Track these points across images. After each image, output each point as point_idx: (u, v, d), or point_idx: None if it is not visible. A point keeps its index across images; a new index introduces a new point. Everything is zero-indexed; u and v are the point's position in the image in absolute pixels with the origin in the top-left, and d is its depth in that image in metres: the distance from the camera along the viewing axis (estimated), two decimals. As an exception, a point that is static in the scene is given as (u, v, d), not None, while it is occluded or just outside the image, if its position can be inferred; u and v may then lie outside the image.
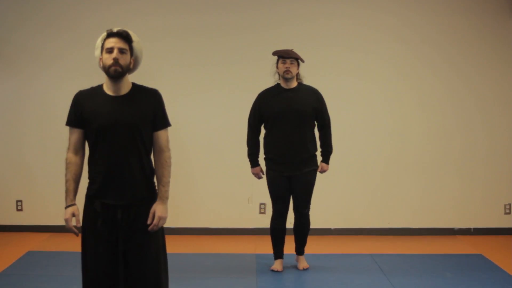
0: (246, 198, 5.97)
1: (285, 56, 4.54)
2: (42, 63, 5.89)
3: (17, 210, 6.02)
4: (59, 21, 5.85)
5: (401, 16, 5.86)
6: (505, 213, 6.01)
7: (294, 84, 4.64)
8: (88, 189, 3.04)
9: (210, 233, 5.97)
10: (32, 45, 5.88)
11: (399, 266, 4.95)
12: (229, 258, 5.15)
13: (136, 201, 2.99)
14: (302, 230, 4.77)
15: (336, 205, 5.94)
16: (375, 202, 5.98)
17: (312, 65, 5.84)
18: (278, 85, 4.68)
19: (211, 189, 5.95)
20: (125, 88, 3.00)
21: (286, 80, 4.60)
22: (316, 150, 4.71)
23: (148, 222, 3.00)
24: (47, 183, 5.91)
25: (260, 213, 5.97)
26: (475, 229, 6.00)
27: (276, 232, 4.73)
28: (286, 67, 4.54)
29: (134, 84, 3.05)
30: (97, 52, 3.03)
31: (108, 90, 3.00)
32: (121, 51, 2.93)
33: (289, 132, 4.56)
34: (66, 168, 3.05)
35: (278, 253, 4.80)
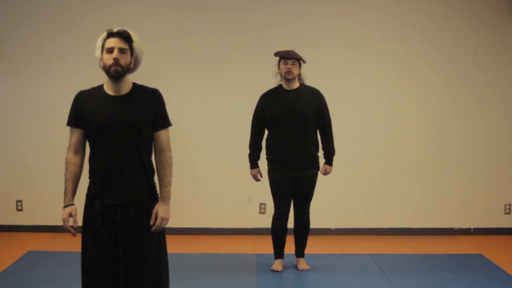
0: (246, 198, 5.97)
1: (287, 57, 4.55)
2: (42, 63, 5.89)
3: (17, 210, 6.02)
4: (59, 21, 5.85)
5: (401, 16, 5.86)
6: (505, 213, 6.01)
7: (296, 85, 4.64)
8: (89, 189, 3.05)
9: (210, 233, 5.97)
10: (32, 45, 5.88)
11: (399, 266, 4.95)
12: (229, 258, 5.15)
13: (136, 201, 2.99)
14: (302, 231, 4.77)
15: (336, 205, 5.94)
16: (375, 202, 5.98)
17: (312, 65, 5.84)
18: (280, 86, 4.69)
19: (211, 189, 5.96)
20: (125, 88, 3.00)
21: (288, 81, 4.60)
22: (318, 151, 4.71)
23: (151, 223, 3.00)
24: (47, 183, 5.91)
25: (260, 213, 5.97)
26: (475, 229, 6.01)
27: (278, 232, 4.73)
28: (288, 68, 4.54)
29: (134, 84, 3.05)
30: (98, 52, 3.03)
31: (108, 90, 3.00)
32: (121, 51, 2.93)
33: (291, 133, 4.56)
34: (66, 168, 3.06)
35: (279, 253, 4.80)
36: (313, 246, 5.09)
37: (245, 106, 5.73)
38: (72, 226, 3.01)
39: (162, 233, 3.09)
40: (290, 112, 4.56)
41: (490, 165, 5.96)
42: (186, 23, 5.85)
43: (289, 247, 4.86)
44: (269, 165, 4.70)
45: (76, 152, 3.05)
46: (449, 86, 5.92)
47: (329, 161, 4.74)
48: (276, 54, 4.64)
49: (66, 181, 3.05)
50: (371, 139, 5.94)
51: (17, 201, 6.02)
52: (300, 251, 4.85)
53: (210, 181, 5.95)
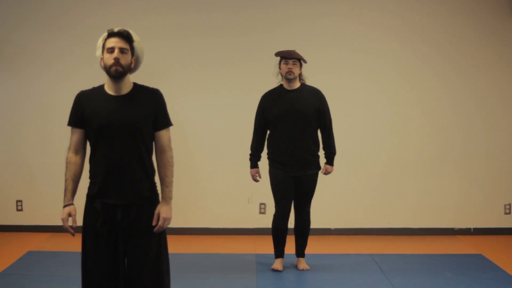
0: (246, 198, 5.97)
1: (288, 57, 4.55)
2: (42, 63, 5.89)
3: (17, 210, 6.02)
4: (59, 21, 5.85)
5: (401, 16, 5.86)
6: (505, 213, 6.01)
7: (296, 85, 4.65)
8: (89, 189, 3.04)
9: (210, 233, 5.97)
10: (32, 45, 5.88)
11: (399, 266, 4.95)
12: (229, 258, 5.15)
13: (137, 201, 2.98)
14: (303, 230, 4.78)
15: (336, 205, 5.94)
16: (375, 202, 5.98)
17: (312, 65, 5.83)
18: (281, 86, 4.69)
19: (211, 189, 5.96)
20: (126, 88, 3.00)
21: (289, 81, 4.61)
22: (319, 150, 4.72)
23: (153, 223, 3.00)
24: (47, 183, 5.91)
25: (260, 213, 5.97)
26: (475, 229, 6.00)
27: (278, 231, 4.74)
28: (289, 68, 4.55)
29: (135, 84, 3.05)
30: (98, 52, 3.03)
31: (109, 90, 3.00)
32: (122, 50, 2.92)
33: (292, 133, 4.57)
34: (66, 168, 3.05)
35: (279, 252, 4.80)
36: (313, 246, 5.09)
37: (245, 106, 5.73)
38: (71, 226, 3.01)
39: (163, 233, 3.08)
40: (291, 112, 4.56)
41: (490, 165, 5.96)
42: (186, 23, 5.85)
43: (290, 247, 4.86)
44: (270, 164, 4.71)
45: (76, 152, 3.05)
46: (449, 86, 5.92)
47: (330, 161, 4.74)
48: (277, 54, 4.64)
49: (66, 180, 3.05)
50: (371, 139, 5.94)
51: (17, 201, 6.02)
52: (300, 251, 4.85)
53: (210, 181, 5.95)
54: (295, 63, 4.56)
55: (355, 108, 5.91)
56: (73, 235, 3.02)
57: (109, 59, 2.92)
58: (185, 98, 5.83)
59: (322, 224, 5.85)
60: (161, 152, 3.06)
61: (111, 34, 2.95)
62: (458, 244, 5.71)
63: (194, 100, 5.89)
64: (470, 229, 6.01)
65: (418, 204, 5.98)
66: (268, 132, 4.73)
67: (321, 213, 5.46)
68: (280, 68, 4.65)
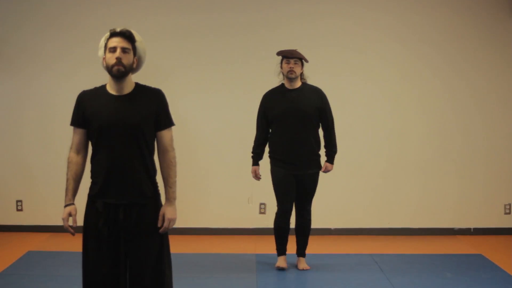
0: (246, 198, 5.97)
1: (289, 56, 4.57)
2: (42, 63, 5.89)
3: (17, 210, 6.02)
4: (59, 21, 5.85)
5: (401, 16, 5.86)
6: (505, 213, 6.01)
7: (298, 84, 4.66)
8: (90, 188, 3.04)
9: (210, 233, 5.97)
10: (32, 45, 5.87)
11: (399, 266, 4.95)
12: (229, 258, 5.15)
13: (139, 201, 2.98)
14: (304, 230, 4.78)
15: (336, 205, 5.94)
16: (375, 202, 5.98)
17: (313, 65, 5.83)
18: (282, 85, 4.70)
19: (211, 189, 5.96)
20: (128, 87, 3.00)
21: (290, 80, 4.61)
22: (320, 149, 4.72)
23: (159, 225, 3.01)
24: (47, 183, 5.91)
25: (260, 213, 5.97)
26: (475, 229, 6.01)
27: (281, 230, 4.75)
28: (290, 67, 4.56)
29: (137, 84, 3.05)
30: (101, 52, 3.03)
31: (111, 89, 3.00)
32: (124, 50, 2.93)
33: (293, 132, 4.58)
34: (67, 167, 3.05)
35: (282, 250, 4.81)
36: (313, 246, 5.09)
37: (245, 106, 5.74)
38: (71, 226, 3.01)
39: (165, 234, 3.08)
40: (292, 111, 4.57)
41: (490, 165, 5.96)
42: (187, 23, 5.84)
43: (290, 247, 4.86)
44: (271, 163, 4.72)
45: (78, 151, 3.05)
46: (449, 86, 5.92)
47: (330, 159, 4.75)
48: (278, 54, 4.65)
49: (67, 180, 3.05)
50: (371, 139, 5.94)
51: (17, 201, 6.02)
52: (301, 251, 4.85)
53: (210, 181, 5.95)
54: (297, 62, 4.58)
55: (355, 108, 5.90)
56: (73, 234, 3.02)
57: (111, 58, 2.92)
58: (185, 98, 5.83)
59: (322, 224, 5.85)
60: (163, 152, 3.06)
61: (113, 34, 2.95)
62: (458, 244, 5.71)
63: (194, 100, 5.89)
64: (470, 229, 6.01)
65: (418, 204, 5.98)
66: (270, 131, 4.74)
67: (321, 213, 5.46)
68: (281, 67, 4.66)
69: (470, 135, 5.94)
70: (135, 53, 3.00)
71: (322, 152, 4.75)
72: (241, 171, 5.63)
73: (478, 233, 5.98)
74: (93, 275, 2.99)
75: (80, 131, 3.03)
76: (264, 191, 5.44)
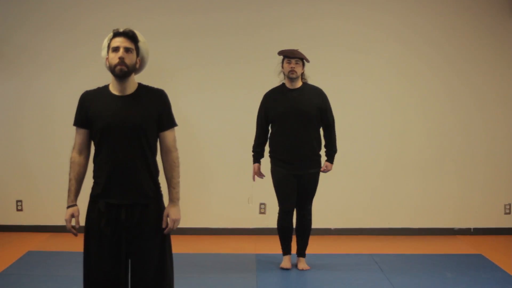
0: (246, 198, 5.96)
1: (290, 56, 4.57)
2: (42, 63, 5.89)
3: (17, 210, 6.02)
4: (60, 21, 5.84)
5: (401, 16, 5.86)
6: (505, 213, 6.01)
7: (299, 84, 4.66)
8: (93, 189, 3.03)
9: (210, 233, 5.97)
10: (32, 45, 5.87)
11: (399, 266, 4.95)
12: (229, 258, 5.15)
13: (141, 201, 2.97)
14: (304, 230, 4.78)
15: (336, 205, 5.94)
16: (375, 202, 5.98)
17: (313, 65, 5.83)
18: (283, 85, 4.71)
19: (211, 189, 5.96)
20: (131, 88, 3.00)
21: (291, 80, 4.62)
22: (320, 149, 4.72)
23: (163, 226, 3.01)
24: (47, 183, 5.91)
25: (260, 213, 5.96)
26: (475, 229, 6.00)
27: (284, 230, 4.75)
28: (291, 67, 4.56)
29: (140, 84, 3.05)
30: (104, 52, 3.03)
31: (113, 90, 3.00)
32: (127, 50, 2.92)
33: (294, 132, 4.58)
34: (70, 168, 3.04)
35: (287, 249, 4.82)
36: (313, 246, 5.08)
37: (246, 106, 5.74)
38: (73, 227, 3.01)
39: (167, 234, 3.09)
40: (293, 111, 4.57)
41: (490, 165, 5.96)
42: (189, 23, 5.84)
43: (291, 246, 4.86)
44: (272, 162, 4.72)
45: (80, 152, 3.04)
46: (449, 86, 5.92)
47: (330, 158, 4.75)
48: (280, 53, 4.66)
49: (69, 181, 3.04)
50: (371, 139, 5.94)
51: (17, 201, 6.02)
52: (301, 251, 4.85)
53: (210, 181, 5.95)
54: (298, 62, 4.58)
55: (355, 108, 5.91)
56: (75, 235, 3.02)
57: (114, 58, 2.92)
58: (186, 98, 5.82)
59: (322, 224, 5.84)
60: (166, 153, 3.06)
61: (116, 34, 2.95)
62: (458, 244, 5.71)
63: (194, 100, 5.88)
64: (470, 229, 6.01)
65: (418, 204, 5.98)
66: (270, 130, 4.74)
67: (321, 213, 5.46)
68: (282, 67, 4.66)
69: (470, 135, 5.94)
70: (138, 54, 2.99)
71: (323, 151, 4.75)
72: (241, 171, 5.63)
73: (478, 233, 5.98)
74: (95, 275, 2.98)
75: (83, 131, 3.02)
76: (264, 191, 5.44)
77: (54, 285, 4.44)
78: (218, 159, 5.93)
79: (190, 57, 5.87)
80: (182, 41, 5.85)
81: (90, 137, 3.03)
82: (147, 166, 2.99)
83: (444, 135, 5.94)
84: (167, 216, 3.03)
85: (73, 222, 3.02)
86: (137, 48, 2.99)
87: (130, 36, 2.95)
